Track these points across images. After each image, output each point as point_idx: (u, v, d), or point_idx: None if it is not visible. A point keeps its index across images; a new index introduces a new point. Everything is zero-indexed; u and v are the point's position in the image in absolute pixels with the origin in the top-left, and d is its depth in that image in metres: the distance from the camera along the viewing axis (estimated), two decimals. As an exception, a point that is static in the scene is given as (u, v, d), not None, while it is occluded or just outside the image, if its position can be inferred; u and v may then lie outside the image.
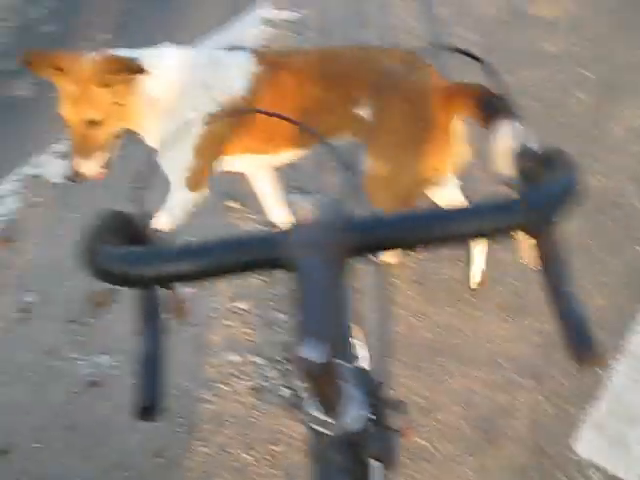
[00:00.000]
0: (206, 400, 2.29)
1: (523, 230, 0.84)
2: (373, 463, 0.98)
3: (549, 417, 2.23)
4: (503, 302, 2.52)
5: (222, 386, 2.34)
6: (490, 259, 2.54)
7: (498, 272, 2.58)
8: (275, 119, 1.19)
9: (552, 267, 0.83)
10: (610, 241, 2.73)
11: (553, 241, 0.83)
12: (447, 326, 2.47)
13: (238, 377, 2.36)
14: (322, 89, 1.92)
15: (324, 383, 0.84)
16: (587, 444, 2.15)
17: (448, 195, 2.28)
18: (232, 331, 2.48)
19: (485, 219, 0.78)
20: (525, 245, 0.86)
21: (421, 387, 2.30)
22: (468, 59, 1.09)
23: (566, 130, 3.14)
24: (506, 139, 1.62)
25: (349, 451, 0.92)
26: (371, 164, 1.96)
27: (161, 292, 0.92)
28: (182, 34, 3.36)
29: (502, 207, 0.81)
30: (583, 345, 0.77)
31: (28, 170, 3.19)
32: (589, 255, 2.67)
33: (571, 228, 2.66)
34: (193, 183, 2.17)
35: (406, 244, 0.79)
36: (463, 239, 0.79)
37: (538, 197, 0.82)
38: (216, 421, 2.24)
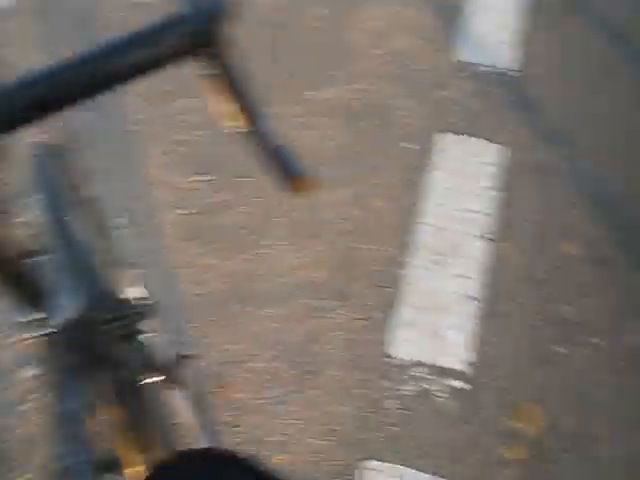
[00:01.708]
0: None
1: (196, 47, 0.91)
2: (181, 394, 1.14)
3: (361, 331, 2.62)
4: (291, 233, 2.88)
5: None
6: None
7: (282, 207, 2.93)
8: None
9: (236, 89, 0.90)
10: (377, 144, 3.20)
11: (230, 59, 0.91)
12: (236, 273, 2.77)
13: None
14: None
15: (23, 281, 0.92)
16: (403, 345, 2.59)
17: None
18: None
19: (150, 43, 0.83)
20: (215, 102, 0.94)
21: (223, 340, 2.58)
22: None
23: (307, 47, 3.54)
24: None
25: (73, 340, 0.99)
26: None
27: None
28: None
29: (168, 25, 0.86)
30: (294, 172, 0.84)
31: None
32: (362, 162, 3.11)
33: (343, 141, 3.07)
34: None
35: (60, 102, 0.81)
36: (131, 76, 0.83)
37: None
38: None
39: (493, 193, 2.96)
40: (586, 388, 2.51)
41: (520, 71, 3.47)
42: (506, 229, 2.92)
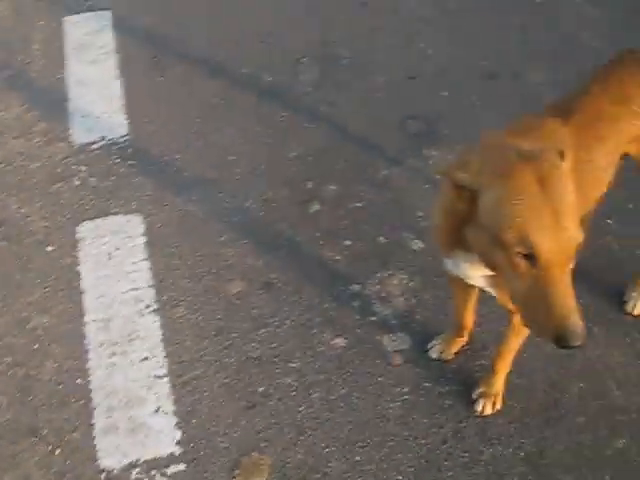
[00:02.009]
0: None
1: None
2: None
3: (65, 459, 2.55)
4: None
5: None
6: None
7: None
8: None
9: None
10: (18, 258, 3.11)
11: None
12: None
13: None
14: None
15: None
16: (113, 453, 2.53)
17: None
18: None
19: None
20: None
21: None
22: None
23: None
24: None
25: None
26: None
27: None
28: None
29: None
30: None
31: None
32: (7, 283, 3.01)
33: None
34: None
35: None
36: None
37: None
38: None
39: (147, 264, 2.97)
40: (300, 421, 2.65)
41: (130, 134, 3.57)
42: (171, 292, 2.97)
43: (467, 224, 1.88)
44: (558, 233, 1.71)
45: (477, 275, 2.08)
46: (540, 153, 1.80)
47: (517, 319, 2.26)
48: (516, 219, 1.72)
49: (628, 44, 2.48)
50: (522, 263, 1.74)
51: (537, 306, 1.76)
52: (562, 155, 1.82)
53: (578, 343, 1.73)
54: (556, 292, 1.72)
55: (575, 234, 1.74)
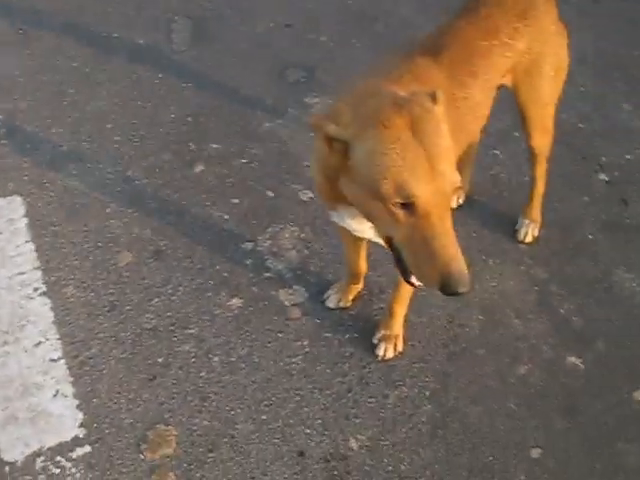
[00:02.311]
0: None
1: None
2: None
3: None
4: None
5: None
6: None
7: None
8: None
9: None
10: None
11: None
12: None
13: None
14: None
15: None
16: (16, 445, 2.43)
17: None
18: None
19: None
20: None
21: None
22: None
23: None
24: None
25: None
26: None
27: None
28: None
29: None
30: None
31: None
32: None
33: None
34: None
35: None
36: None
37: None
38: None
39: (32, 245, 2.85)
40: (202, 387, 2.59)
41: (0, 114, 3.48)
42: (59, 272, 2.88)
43: (342, 177, 1.82)
44: (434, 179, 1.68)
45: (363, 228, 2.04)
46: (411, 99, 1.75)
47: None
48: (391, 169, 1.68)
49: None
50: (401, 213, 1.70)
51: (419, 255, 1.73)
52: (434, 98, 1.77)
53: (463, 289, 1.71)
54: (437, 239, 1.70)
55: (452, 178, 1.71)
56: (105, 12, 3.82)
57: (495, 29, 2.24)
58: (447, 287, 1.69)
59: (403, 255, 1.78)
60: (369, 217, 1.82)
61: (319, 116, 1.81)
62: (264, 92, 3.49)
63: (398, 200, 1.67)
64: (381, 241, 1.95)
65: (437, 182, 1.67)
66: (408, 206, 1.67)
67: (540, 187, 2.88)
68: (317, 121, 1.77)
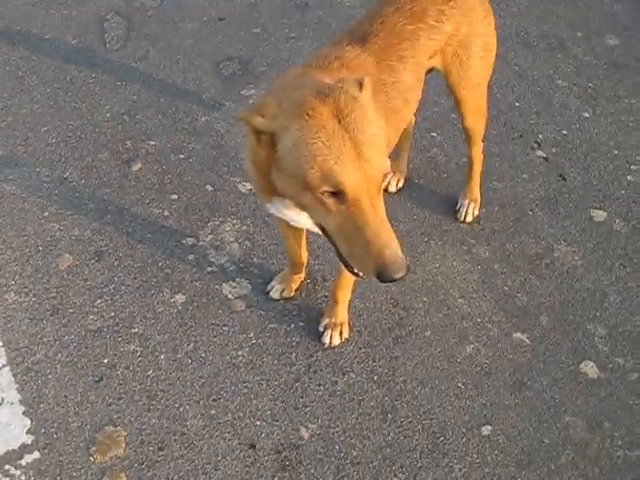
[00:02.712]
0: None
1: None
2: None
3: None
4: None
5: None
6: None
7: None
8: None
9: None
10: None
11: None
12: None
13: None
14: None
15: None
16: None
17: None
18: None
19: None
20: None
21: None
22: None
23: None
24: None
25: None
26: None
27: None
28: None
29: None
30: None
31: None
32: None
33: None
34: None
35: None
36: None
37: None
38: None
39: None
40: (150, 385, 2.59)
41: None
42: (1, 281, 2.73)
43: (272, 169, 1.81)
44: (362, 166, 1.67)
45: (300, 218, 2.03)
46: (336, 87, 1.75)
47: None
48: (317, 158, 1.67)
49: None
50: (330, 202, 1.70)
51: (353, 243, 1.73)
52: (361, 85, 1.76)
53: (399, 275, 1.71)
54: (368, 226, 1.69)
55: (380, 164, 1.71)
56: (35, 14, 3.76)
57: (421, 12, 2.24)
58: (382, 275, 1.69)
59: (337, 244, 1.76)
60: (302, 207, 1.81)
61: (246, 109, 1.80)
62: (200, 86, 3.47)
63: (326, 189, 1.67)
64: (318, 230, 1.94)
65: (365, 169, 1.67)
66: (337, 194, 1.66)
67: (477, 167, 2.90)
68: (244, 115, 1.76)
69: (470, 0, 2.33)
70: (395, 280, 1.70)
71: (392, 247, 1.67)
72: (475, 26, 2.36)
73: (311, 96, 1.70)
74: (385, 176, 1.69)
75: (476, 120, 2.66)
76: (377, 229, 1.65)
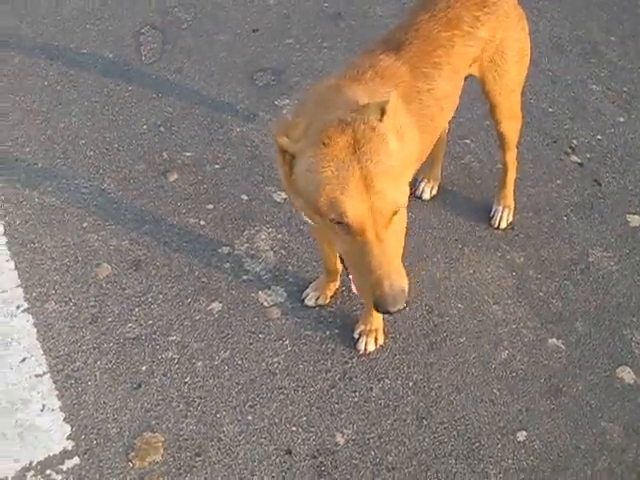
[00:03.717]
0: None
1: None
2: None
3: None
4: None
5: None
6: None
7: None
8: None
9: None
10: None
11: None
12: None
13: None
14: None
15: None
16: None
17: None
18: None
19: None
20: None
21: None
22: None
23: None
24: None
25: None
26: None
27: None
28: None
29: None
30: None
31: None
32: None
33: None
34: None
35: None
36: None
37: None
38: None
39: (12, 264, 2.89)
40: (187, 392, 2.64)
41: None
42: (40, 288, 2.92)
43: (291, 188, 1.86)
44: (369, 198, 1.69)
45: None
46: (358, 117, 1.76)
47: None
48: (326, 187, 1.71)
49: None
50: (338, 229, 1.73)
51: (357, 269, 1.76)
52: (383, 112, 1.79)
53: (394, 308, 1.74)
54: (371, 257, 1.72)
55: (393, 197, 1.72)
56: (72, 30, 3.84)
57: (456, 19, 2.26)
58: (378, 305, 1.74)
59: (347, 266, 1.82)
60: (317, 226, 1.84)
61: (279, 125, 1.84)
62: (234, 97, 3.52)
63: (333, 217, 1.71)
64: None
65: (373, 201, 1.68)
66: (342, 224, 1.68)
67: (512, 173, 2.91)
68: (275, 130, 1.80)
69: (504, 6, 2.34)
70: (392, 313, 1.74)
71: (392, 279, 1.71)
72: (510, 31, 2.37)
73: (331, 124, 1.75)
74: (397, 206, 1.72)
75: (511, 126, 2.68)
76: (379, 261, 1.69)
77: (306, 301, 2.70)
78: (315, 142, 1.72)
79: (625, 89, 3.58)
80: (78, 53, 3.73)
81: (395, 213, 1.72)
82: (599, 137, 3.35)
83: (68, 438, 2.43)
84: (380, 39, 2.26)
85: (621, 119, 3.43)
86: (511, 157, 2.83)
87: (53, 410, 2.50)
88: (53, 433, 2.45)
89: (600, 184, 3.14)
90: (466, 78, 2.42)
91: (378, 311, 1.74)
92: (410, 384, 2.53)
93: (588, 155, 3.26)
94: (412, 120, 2.08)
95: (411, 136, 2.07)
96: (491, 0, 2.32)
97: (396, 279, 1.69)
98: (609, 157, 3.25)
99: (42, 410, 2.49)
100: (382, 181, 1.68)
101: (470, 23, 2.25)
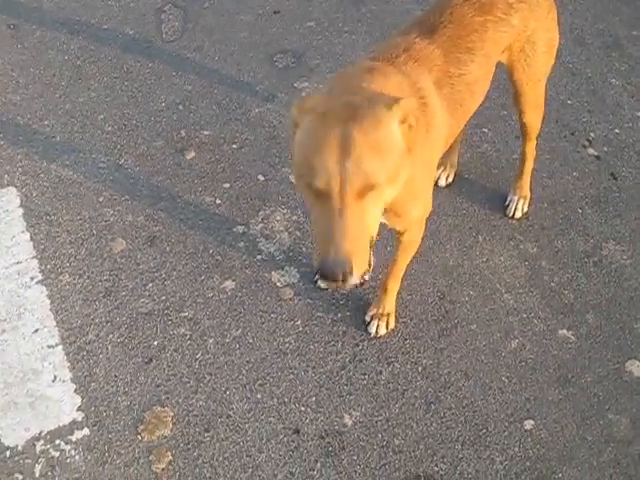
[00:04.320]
0: None
1: None
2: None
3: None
4: None
5: None
6: None
7: None
8: None
9: None
10: None
11: None
12: None
13: None
14: None
15: None
16: (14, 430, 2.53)
17: None
18: None
19: None
20: None
21: None
22: None
23: None
24: None
25: None
26: None
27: None
28: None
29: None
30: None
31: None
32: None
33: None
34: None
35: None
36: None
37: None
38: None
39: (27, 235, 2.90)
40: (198, 368, 2.67)
41: None
42: (54, 261, 2.94)
43: None
44: (342, 163, 1.68)
45: None
46: (365, 104, 1.77)
47: (406, 238, 2.28)
48: (307, 148, 1.73)
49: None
50: (310, 192, 1.74)
51: (317, 236, 1.77)
52: (391, 107, 1.78)
53: (334, 274, 1.68)
54: (330, 223, 1.69)
55: (365, 167, 1.69)
56: (94, 5, 3.84)
57: (490, 5, 2.26)
58: (321, 270, 1.70)
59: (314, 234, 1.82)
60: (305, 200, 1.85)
61: (299, 99, 1.85)
62: (254, 78, 3.52)
63: (305, 178, 1.71)
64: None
65: (346, 167, 1.67)
66: (312, 185, 1.70)
67: (530, 163, 2.91)
68: (294, 103, 1.82)
69: None
70: (333, 283, 1.69)
71: (339, 249, 1.66)
72: (541, 21, 2.37)
73: (337, 102, 1.77)
74: (373, 181, 1.70)
75: (534, 115, 2.68)
76: (335, 228, 1.67)
77: (319, 282, 2.70)
78: (317, 112, 1.73)
79: (645, 84, 3.55)
80: (99, 29, 3.73)
81: (370, 189, 1.69)
82: (617, 131, 3.33)
83: (78, 409, 2.46)
84: (415, 21, 2.27)
85: (639, 114, 3.41)
86: (530, 147, 2.83)
87: (64, 381, 2.52)
88: (64, 404, 2.47)
89: (616, 178, 3.14)
90: (497, 65, 2.41)
91: (322, 277, 1.70)
92: (419, 369, 2.54)
93: (605, 149, 3.25)
94: (443, 105, 2.08)
95: (441, 120, 2.08)
96: None
97: (344, 251, 1.66)
98: (626, 151, 3.24)
99: (53, 381, 2.51)
100: (362, 151, 1.67)
101: (503, 10, 2.25)
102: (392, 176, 1.74)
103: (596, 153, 3.24)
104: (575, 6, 3.97)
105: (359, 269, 1.70)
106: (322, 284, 1.81)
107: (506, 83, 2.59)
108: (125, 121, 3.33)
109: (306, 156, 1.71)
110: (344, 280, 1.68)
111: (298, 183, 1.80)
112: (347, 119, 1.71)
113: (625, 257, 2.87)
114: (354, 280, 1.71)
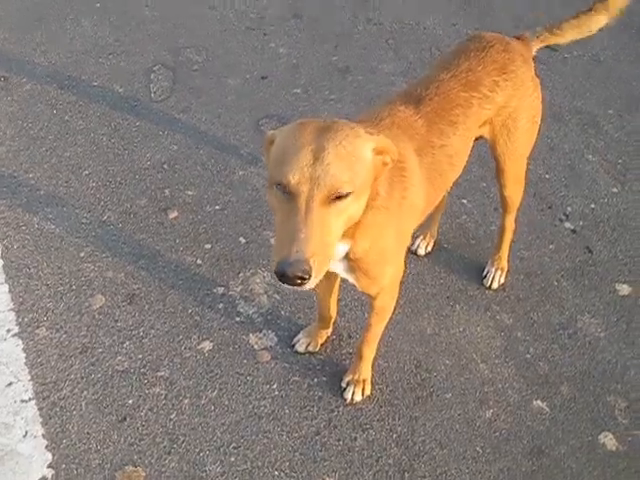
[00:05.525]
0: None
1: None
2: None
3: None
4: None
5: None
6: None
7: None
8: None
9: None
10: None
11: None
12: None
13: None
14: None
15: None
16: None
17: None
18: None
19: None
20: None
21: None
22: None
23: None
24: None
25: None
26: None
27: None
28: None
29: None
30: None
31: None
32: None
33: None
34: None
35: None
36: None
37: None
38: None
39: (6, 287, 2.87)
40: (172, 428, 2.61)
41: None
42: (32, 314, 2.91)
43: None
44: (313, 167, 1.71)
45: (334, 262, 2.07)
46: (344, 123, 1.83)
47: (378, 304, 2.27)
48: (284, 152, 1.75)
49: (467, 30, 2.53)
50: (278, 192, 1.75)
51: (279, 233, 1.77)
52: (371, 134, 1.86)
53: (290, 280, 1.68)
54: (294, 221, 1.70)
55: (334, 171, 1.72)
56: (85, 62, 3.88)
57: (476, 82, 2.30)
58: (280, 269, 1.67)
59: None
60: (273, 210, 1.85)
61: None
62: (239, 141, 3.55)
63: (276, 179, 1.73)
64: (351, 277, 2.08)
65: (316, 171, 1.71)
66: (282, 186, 1.71)
67: (509, 235, 2.94)
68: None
69: (522, 75, 2.39)
70: (292, 281, 1.68)
71: (301, 249, 1.66)
72: (524, 99, 2.42)
73: (311, 120, 1.82)
74: (340, 187, 1.72)
75: (515, 190, 2.72)
76: (299, 228, 1.67)
77: (297, 347, 2.70)
78: (296, 123, 1.81)
79: (620, 161, 3.63)
80: (89, 85, 3.76)
81: (337, 197, 1.72)
82: (593, 206, 3.38)
83: (49, 466, 2.41)
84: (402, 91, 2.30)
85: (615, 190, 3.47)
86: (510, 220, 2.86)
87: (36, 437, 2.47)
88: (34, 460, 2.43)
89: (592, 252, 3.17)
90: (476, 139, 2.45)
91: (277, 274, 1.69)
92: (394, 436, 2.52)
93: (581, 223, 3.30)
94: (422, 173, 2.11)
95: (418, 188, 2.10)
96: (510, 67, 2.36)
97: (307, 252, 1.65)
98: (601, 226, 3.28)
99: (25, 436, 2.47)
100: (333, 159, 1.70)
101: (489, 87, 2.30)
102: (357, 192, 1.76)
103: (572, 227, 3.28)
104: (554, 84, 4.05)
105: (318, 273, 1.70)
106: (281, 282, 1.78)
107: (486, 156, 2.63)
108: (110, 178, 3.33)
109: (283, 155, 1.74)
110: (302, 282, 1.67)
111: (270, 185, 1.79)
112: (324, 130, 1.76)
113: (599, 330, 2.88)
114: (311, 284, 1.70)
